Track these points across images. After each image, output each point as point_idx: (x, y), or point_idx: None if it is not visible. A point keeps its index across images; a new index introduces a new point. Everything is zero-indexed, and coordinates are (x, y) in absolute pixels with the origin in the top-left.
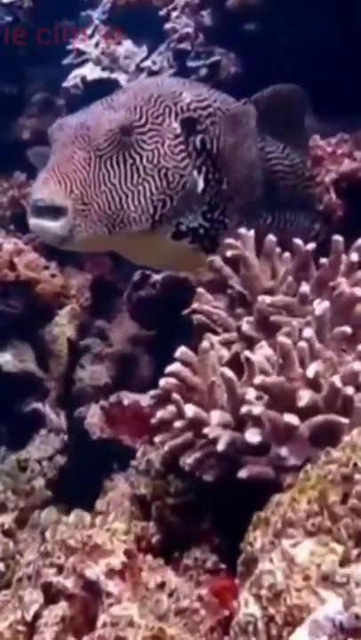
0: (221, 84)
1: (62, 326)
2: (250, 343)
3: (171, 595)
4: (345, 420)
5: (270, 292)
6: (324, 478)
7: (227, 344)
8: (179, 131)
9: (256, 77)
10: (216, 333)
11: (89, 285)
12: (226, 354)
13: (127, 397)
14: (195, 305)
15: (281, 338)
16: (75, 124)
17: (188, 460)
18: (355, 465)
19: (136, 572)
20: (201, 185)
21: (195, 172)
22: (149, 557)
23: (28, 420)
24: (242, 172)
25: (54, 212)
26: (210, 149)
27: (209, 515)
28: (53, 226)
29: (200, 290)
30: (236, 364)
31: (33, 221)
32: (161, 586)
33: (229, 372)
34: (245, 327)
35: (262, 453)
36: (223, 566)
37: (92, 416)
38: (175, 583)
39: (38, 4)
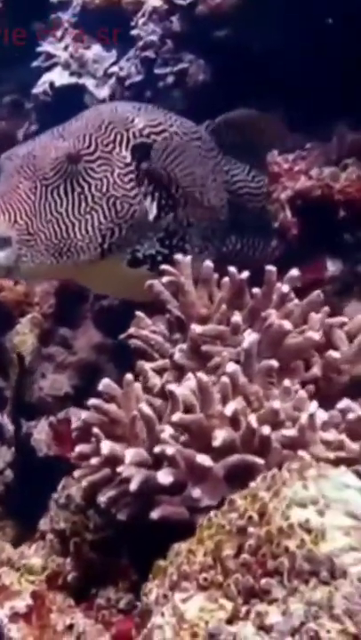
0: (190, 91)
1: (24, 335)
2: (181, 372)
3: (78, 638)
4: (260, 461)
5: (206, 319)
6: (222, 528)
7: (160, 372)
8: (129, 158)
9: (226, 85)
10: (153, 359)
11: (54, 292)
12: (158, 382)
13: (75, 414)
14: (131, 329)
15: (199, 374)
16: (22, 154)
17: (101, 498)
18: (249, 518)
19: (44, 614)
20: (154, 212)
21: (147, 199)
22: (60, 598)
23: None
24: (201, 196)
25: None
26: (164, 175)
27: (128, 551)
28: None
29: (139, 313)
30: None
31: None
32: (69, 628)
33: (147, 409)
34: (177, 356)
35: (178, 492)
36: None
37: (40, 432)
38: (83, 626)
39: (8, 4)
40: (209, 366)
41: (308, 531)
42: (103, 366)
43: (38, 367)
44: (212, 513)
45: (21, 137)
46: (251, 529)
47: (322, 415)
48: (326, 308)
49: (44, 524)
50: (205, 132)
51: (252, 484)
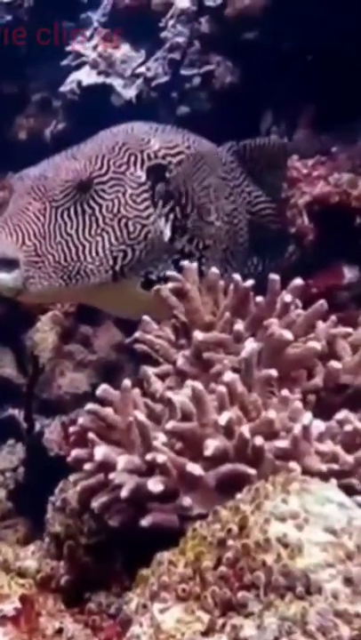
0: (216, 93)
1: (44, 332)
2: (183, 378)
3: None
4: (252, 471)
5: (210, 326)
6: (204, 540)
7: (163, 377)
8: (143, 179)
9: (254, 87)
10: (158, 364)
11: None
12: (160, 388)
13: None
14: (137, 334)
15: (194, 383)
16: (33, 175)
17: (94, 504)
18: (229, 530)
19: (33, 618)
20: (168, 234)
21: (161, 221)
22: (50, 602)
23: (4, 425)
24: (217, 219)
25: (7, 263)
26: (179, 197)
27: (121, 556)
28: (6, 278)
29: (145, 318)
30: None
31: None
32: (59, 632)
33: (141, 416)
34: (180, 362)
35: (171, 500)
36: None
37: (52, 432)
38: (73, 630)
39: (39, 3)
40: (211, 373)
41: (286, 545)
42: (123, 366)
43: (58, 365)
44: (197, 523)
45: (49, 135)
46: (230, 542)
47: (319, 426)
48: (333, 318)
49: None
50: (227, 153)
51: (238, 496)
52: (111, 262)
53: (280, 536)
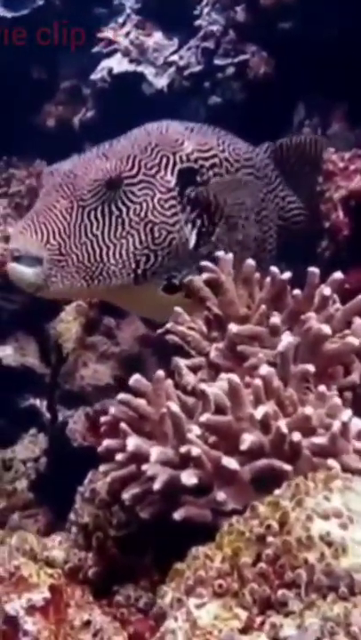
0: (250, 83)
1: (67, 322)
2: (216, 371)
3: (95, 635)
4: (287, 467)
5: (245, 319)
6: (242, 535)
7: (195, 369)
8: (173, 183)
9: (289, 78)
10: (190, 356)
11: None
12: (192, 380)
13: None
14: (169, 325)
15: (230, 376)
16: (63, 172)
17: (125, 495)
18: (269, 526)
19: (62, 609)
20: (193, 240)
21: (188, 227)
22: (78, 593)
23: (26, 415)
24: (246, 226)
25: (31, 259)
26: (209, 204)
27: (151, 549)
28: (28, 273)
29: (177, 309)
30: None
31: (10, 265)
32: (87, 624)
33: (175, 408)
34: (213, 354)
35: (204, 494)
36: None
37: (76, 422)
38: (101, 622)
39: None
40: (245, 367)
41: (329, 544)
42: (146, 359)
43: (80, 356)
44: (233, 518)
45: (77, 123)
46: (270, 538)
47: (357, 423)
48: None
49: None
50: (263, 153)
51: (277, 492)
52: (134, 265)
53: (323, 534)
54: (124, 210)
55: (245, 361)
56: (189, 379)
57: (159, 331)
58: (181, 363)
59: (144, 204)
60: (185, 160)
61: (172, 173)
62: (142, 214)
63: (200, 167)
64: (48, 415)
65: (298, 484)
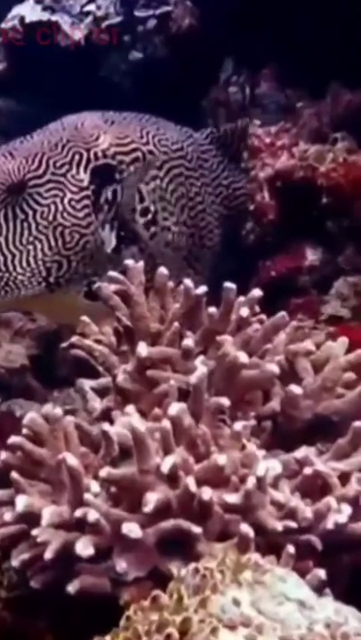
0: (174, 38)
1: None
2: (124, 397)
3: None
4: (196, 530)
5: (156, 335)
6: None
7: (102, 392)
8: (86, 182)
9: (215, 32)
10: (97, 373)
11: None
12: (98, 406)
13: (20, 408)
14: (74, 338)
15: (133, 421)
16: None
17: (14, 562)
18: (168, 636)
19: None
20: (113, 243)
21: (106, 229)
22: None
23: None
24: (177, 223)
25: None
26: (127, 202)
27: (45, 613)
28: None
29: (84, 319)
30: (108, 419)
31: None
32: None
33: (72, 460)
34: (120, 378)
35: (102, 558)
36: None
37: None
38: None
39: None
40: (155, 392)
41: None
42: (65, 336)
43: None
44: (131, 609)
45: None
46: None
47: (274, 467)
48: (294, 324)
49: None
50: (203, 140)
51: (183, 571)
52: (44, 274)
53: None
54: (30, 213)
55: (155, 386)
56: (95, 404)
57: (63, 345)
58: (86, 385)
59: (52, 206)
60: (100, 156)
61: (85, 171)
62: (50, 217)
63: (119, 163)
64: None
65: (204, 573)
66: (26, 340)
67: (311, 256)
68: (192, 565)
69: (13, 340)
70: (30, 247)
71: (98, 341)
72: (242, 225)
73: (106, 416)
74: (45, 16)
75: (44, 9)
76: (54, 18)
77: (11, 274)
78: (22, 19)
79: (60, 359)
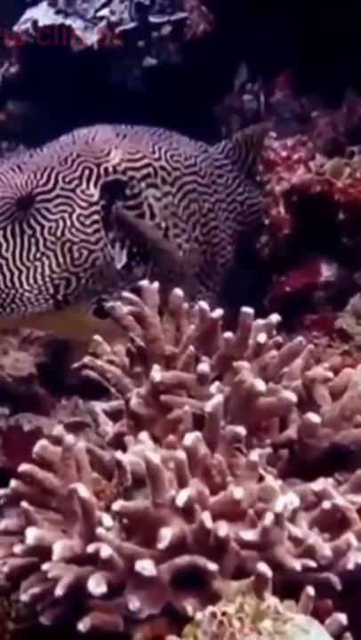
0: (188, 44)
1: None
2: (137, 422)
3: None
4: (212, 567)
5: (171, 358)
6: None
7: (115, 415)
8: (95, 198)
9: (231, 38)
10: (109, 395)
11: None
12: (110, 430)
13: (29, 422)
14: (86, 359)
15: (148, 452)
16: None
17: (23, 596)
18: None
19: None
20: (123, 260)
21: (116, 246)
22: None
23: None
24: (189, 240)
25: None
26: (141, 217)
27: None
28: None
29: (97, 338)
30: (120, 444)
31: None
32: None
33: (84, 492)
34: (134, 402)
35: (115, 594)
36: None
37: None
38: None
39: None
40: (169, 418)
41: None
42: (74, 346)
43: (0, 342)
44: None
45: (0, 77)
46: None
47: (292, 500)
48: (311, 347)
49: None
50: (219, 154)
51: (199, 616)
52: (52, 291)
53: None
54: (37, 228)
55: (170, 411)
56: (107, 428)
57: (75, 365)
58: (98, 408)
59: (61, 222)
60: (111, 172)
61: (95, 186)
62: (59, 233)
63: (130, 179)
64: None
65: (222, 620)
66: (34, 348)
67: (326, 272)
68: (209, 609)
69: (21, 348)
70: (38, 263)
71: (110, 362)
72: (256, 239)
73: (118, 441)
74: (59, 20)
75: (58, 12)
76: (68, 22)
77: (17, 290)
78: (35, 22)
79: (67, 367)
